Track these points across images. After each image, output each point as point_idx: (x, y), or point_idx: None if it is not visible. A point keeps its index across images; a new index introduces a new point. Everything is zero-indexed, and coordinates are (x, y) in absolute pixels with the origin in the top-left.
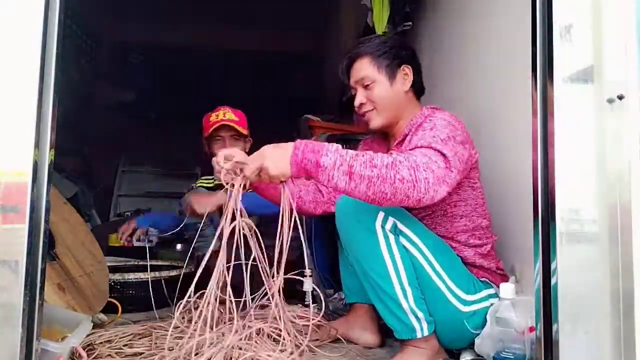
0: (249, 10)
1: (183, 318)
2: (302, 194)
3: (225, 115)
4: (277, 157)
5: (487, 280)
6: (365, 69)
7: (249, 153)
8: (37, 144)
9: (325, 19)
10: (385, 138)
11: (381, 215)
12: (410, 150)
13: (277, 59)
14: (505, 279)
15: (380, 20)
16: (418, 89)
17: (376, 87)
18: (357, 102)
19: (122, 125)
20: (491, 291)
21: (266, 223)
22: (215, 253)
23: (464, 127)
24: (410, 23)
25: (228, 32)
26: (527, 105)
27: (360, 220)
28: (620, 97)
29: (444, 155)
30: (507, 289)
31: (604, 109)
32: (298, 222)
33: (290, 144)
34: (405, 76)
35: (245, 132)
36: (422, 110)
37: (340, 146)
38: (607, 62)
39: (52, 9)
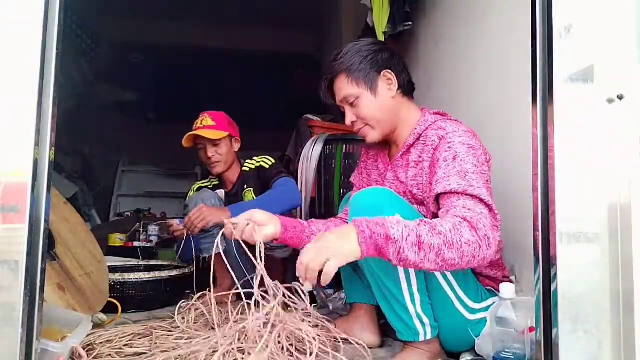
0: (249, 10)
1: (183, 318)
2: None
3: (203, 122)
4: (341, 244)
5: (492, 289)
6: (344, 87)
7: (241, 150)
8: (37, 144)
9: (326, 19)
10: (384, 145)
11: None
12: (442, 194)
13: (277, 59)
14: None
15: (380, 20)
16: (407, 89)
17: (361, 102)
18: (348, 121)
19: (122, 125)
20: (496, 299)
21: None
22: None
23: (476, 135)
24: (410, 23)
25: (228, 32)
26: (527, 105)
27: None
28: (620, 97)
29: (483, 202)
30: (507, 289)
31: (604, 109)
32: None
33: (348, 227)
34: (389, 81)
35: (222, 134)
36: (425, 117)
37: (399, 217)
38: (607, 62)
39: (52, 9)
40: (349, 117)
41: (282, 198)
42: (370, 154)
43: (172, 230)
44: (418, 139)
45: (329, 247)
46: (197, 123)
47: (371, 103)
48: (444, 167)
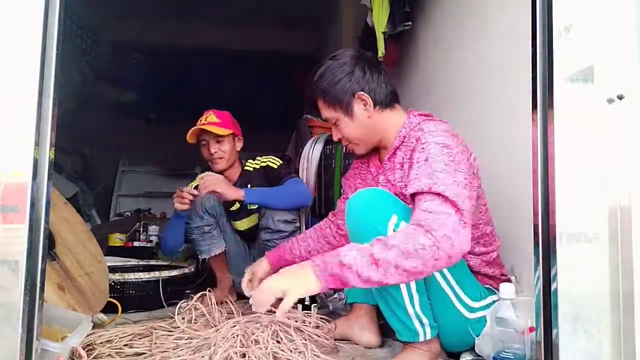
0: (249, 10)
1: (183, 318)
2: (311, 248)
3: (207, 119)
4: (297, 280)
5: (491, 286)
6: (324, 110)
7: (244, 150)
8: (37, 144)
9: (325, 19)
10: (374, 150)
11: (394, 218)
12: (411, 194)
13: (277, 59)
14: None
15: (380, 20)
16: (386, 102)
17: (341, 124)
18: (334, 138)
19: (122, 125)
20: (495, 297)
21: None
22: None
23: (457, 137)
24: (410, 23)
25: (228, 32)
26: (527, 106)
27: (372, 222)
28: (620, 97)
29: (448, 199)
30: (507, 289)
31: (604, 109)
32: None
33: (306, 263)
34: (364, 102)
35: (226, 132)
36: (410, 119)
37: (352, 244)
38: (607, 62)
39: (52, 9)
40: (335, 135)
41: (294, 194)
42: (363, 160)
43: (179, 197)
44: (403, 141)
45: (287, 283)
46: (201, 120)
47: (349, 125)
48: (416, 168)
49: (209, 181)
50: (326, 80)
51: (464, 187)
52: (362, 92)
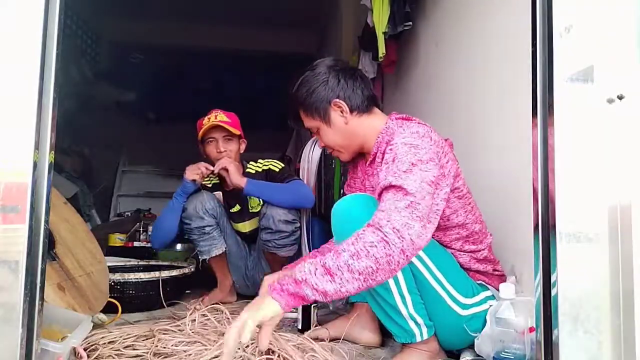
0: (249, 10)
1: (193, 321)
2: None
3: (217, 117)
4: (256, 308)
5: (483, 282)
6: (305, 120)
7: (245, 152)
8: (37, 144)
9: (326, 19)
10: (361, 157)
11: None
12: (379, 194)
13: (277, 59)
14: (502, 279)
15: (380, 20)
16: (362, 107)
17: (321, 132)
18: (320, 146)
19: (122, 125)
20: (488, 293)
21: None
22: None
23: (433, 139)
24: (411, 23)
25: (228, 32)
26: (527, 106)
27: (358, 227)
28: (620, 97)
29: (404, 190)
30: (507, 289)
31: (604, 109)
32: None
33: (263, 294)
34: (339, 109)
35: (237, 132)
36: (387, 123)
37: (304, 262)
38: (607, 62)
39: (52, 9)
40: (319, 143)
41: (296, 194)
42: (353, 166)
43: (194, 167)
44: (379, 147)
45: (244, 314)
46: (210, 118)
47: (328, 133)
48: (385, 169)
49: (225, 160)
50: (303, 90)
51: (428, 184)
52: (337, 99)
